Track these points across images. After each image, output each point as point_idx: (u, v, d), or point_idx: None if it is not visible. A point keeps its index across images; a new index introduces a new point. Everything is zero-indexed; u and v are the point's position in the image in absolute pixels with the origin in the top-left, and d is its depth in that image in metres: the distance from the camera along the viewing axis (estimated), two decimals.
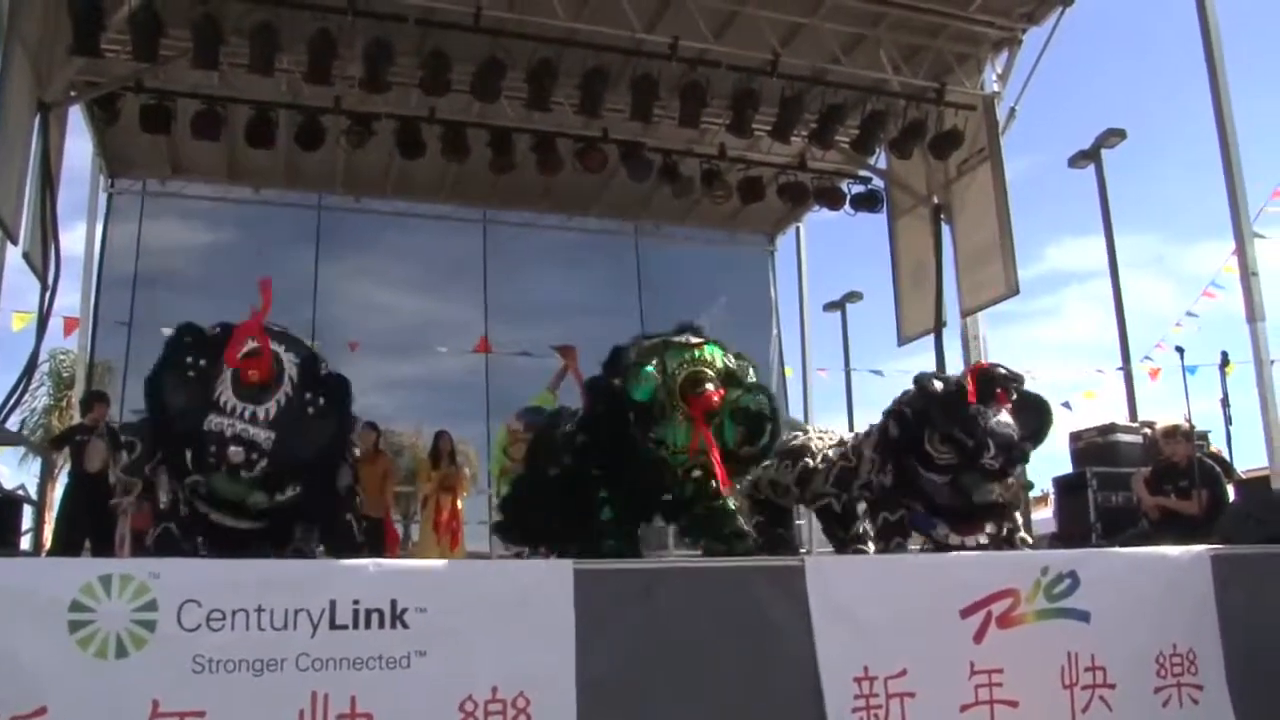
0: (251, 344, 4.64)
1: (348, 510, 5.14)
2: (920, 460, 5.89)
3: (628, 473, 5.41)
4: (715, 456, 5.20)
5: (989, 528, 5.98)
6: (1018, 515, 6.31)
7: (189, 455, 4.54)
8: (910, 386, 6.25)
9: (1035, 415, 6.03)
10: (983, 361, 6.55)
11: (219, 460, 4.41)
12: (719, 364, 5.38)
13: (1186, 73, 37.17)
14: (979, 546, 5.90)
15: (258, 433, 4.46)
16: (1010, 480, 5.94)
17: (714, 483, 5.39)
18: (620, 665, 4.19)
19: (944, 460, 5.78)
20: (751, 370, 5.57)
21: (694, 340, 5.46)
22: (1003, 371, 6.12)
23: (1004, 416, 5.78)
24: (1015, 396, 5.96)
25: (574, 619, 4.14)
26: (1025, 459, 5.89)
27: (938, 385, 6.07)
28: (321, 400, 4.68)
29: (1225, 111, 8.15)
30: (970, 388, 5.82)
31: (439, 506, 9.26)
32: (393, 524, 9.75)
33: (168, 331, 5.08)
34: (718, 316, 11.79)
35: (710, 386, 5.20)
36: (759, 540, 6.34)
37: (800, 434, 7.49)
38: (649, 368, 5.22)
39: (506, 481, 7.36)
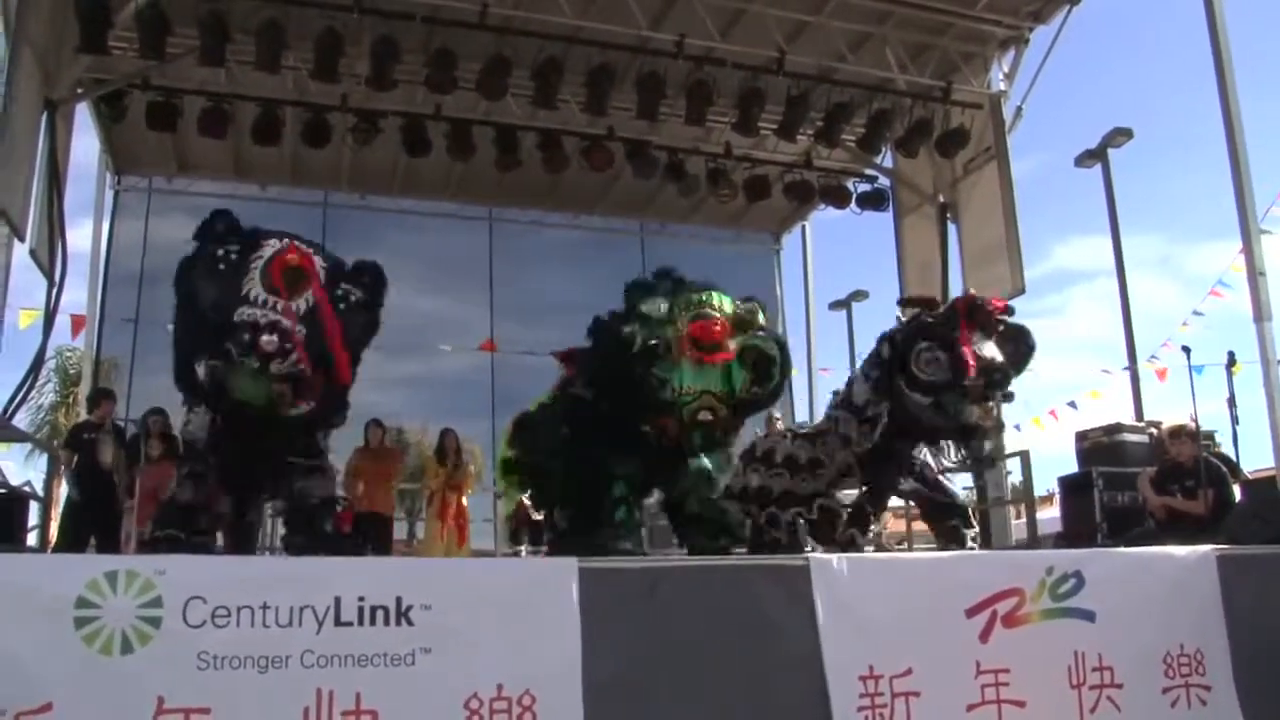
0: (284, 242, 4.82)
1: (324, 520, 5.08)
2: (907, 380, 6.04)
3: (634, 419, 5.38)
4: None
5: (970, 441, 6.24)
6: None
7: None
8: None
9: (1019, 344, 6.20)
10: (972, 291, 6.77)
11: (251, 347, 4.42)
12: (727, 309, 5.44)
13: (1194, 72, 37.11)
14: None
15: (289, 324, 4.52)
16: (990, 405, 6.07)
17: (719, 431, 5.39)
18: (626, 663, 4.17)
19: (927, 378, 5.92)
20: (761, 314, 5.60)
21: (702, 284, 5.55)
22: (989, 302, 6.30)
23: (989, 343, 5.95)
24: (1001, 326, 6.14)
25: (579, 617, 4.12)
26: (1007, 383, 6.05)
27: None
28: (353, 296, 4.83)
29: (1233, 110, 8.13)
30: (959, 315, 6.03)
31: (445, 503, 9.28)
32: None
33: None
34: None
35: (716, 321, 5.26)
36: (748, 536, 6.37)
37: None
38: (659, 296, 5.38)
39: (512, 491, 7.31)
